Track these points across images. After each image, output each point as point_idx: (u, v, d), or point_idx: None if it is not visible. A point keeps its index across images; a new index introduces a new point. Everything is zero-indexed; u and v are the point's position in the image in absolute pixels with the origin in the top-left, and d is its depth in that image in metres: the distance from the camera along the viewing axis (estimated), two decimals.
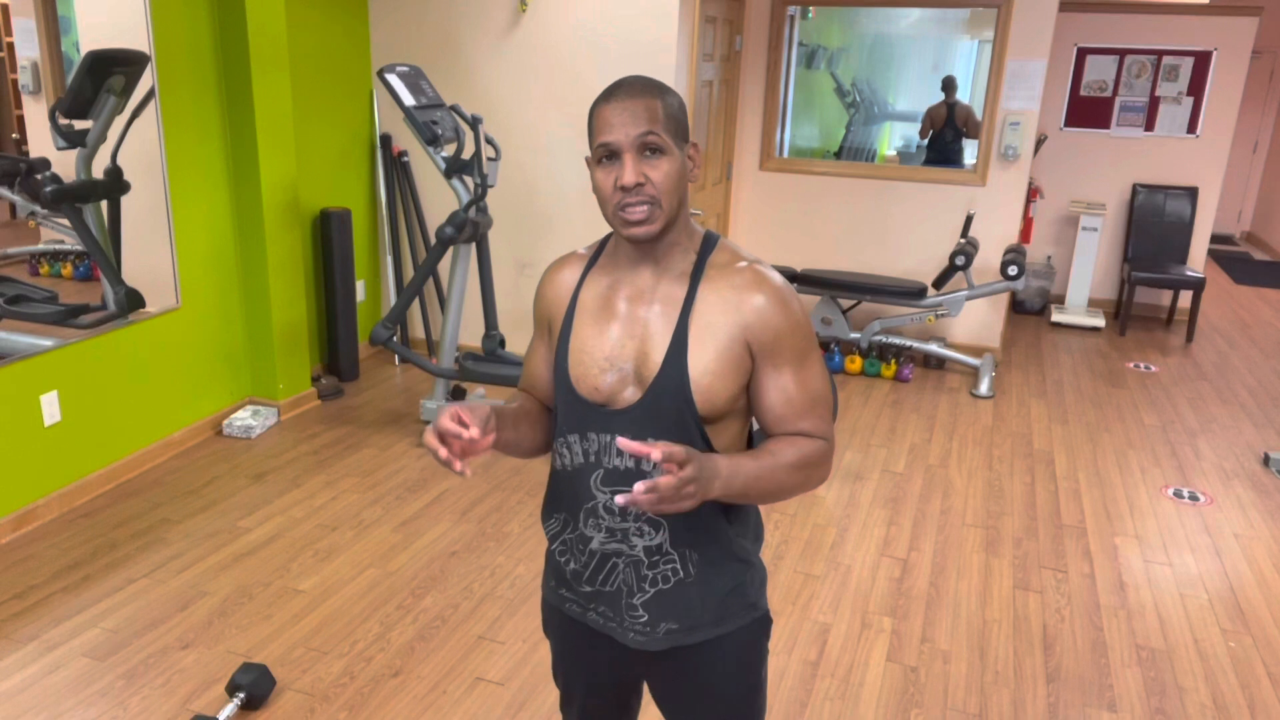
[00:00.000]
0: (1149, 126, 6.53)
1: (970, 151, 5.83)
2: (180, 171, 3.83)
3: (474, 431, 1.23)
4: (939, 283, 5.15)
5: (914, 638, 2.90)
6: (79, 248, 3.47)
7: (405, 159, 5.12)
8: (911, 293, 5.13)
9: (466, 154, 4.58)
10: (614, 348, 1.36)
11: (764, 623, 1.49)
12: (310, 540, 3.34)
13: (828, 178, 5.65)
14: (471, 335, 5.28)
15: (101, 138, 3.47)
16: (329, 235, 4.70)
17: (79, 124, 3.39)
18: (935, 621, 2.99)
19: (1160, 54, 6.40)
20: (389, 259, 5.24)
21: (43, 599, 2.94)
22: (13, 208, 3.23)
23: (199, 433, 4.13)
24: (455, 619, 2.91)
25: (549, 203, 4.96)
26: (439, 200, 5.16)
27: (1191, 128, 6.46)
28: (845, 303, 5.58)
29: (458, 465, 1.22)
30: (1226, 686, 2.73)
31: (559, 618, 1.55)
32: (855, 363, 5.30)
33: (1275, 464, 4.22)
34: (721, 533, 1.40)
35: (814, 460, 1.35)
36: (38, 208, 3.30)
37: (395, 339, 4.18)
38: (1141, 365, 5.71)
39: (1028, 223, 6.18)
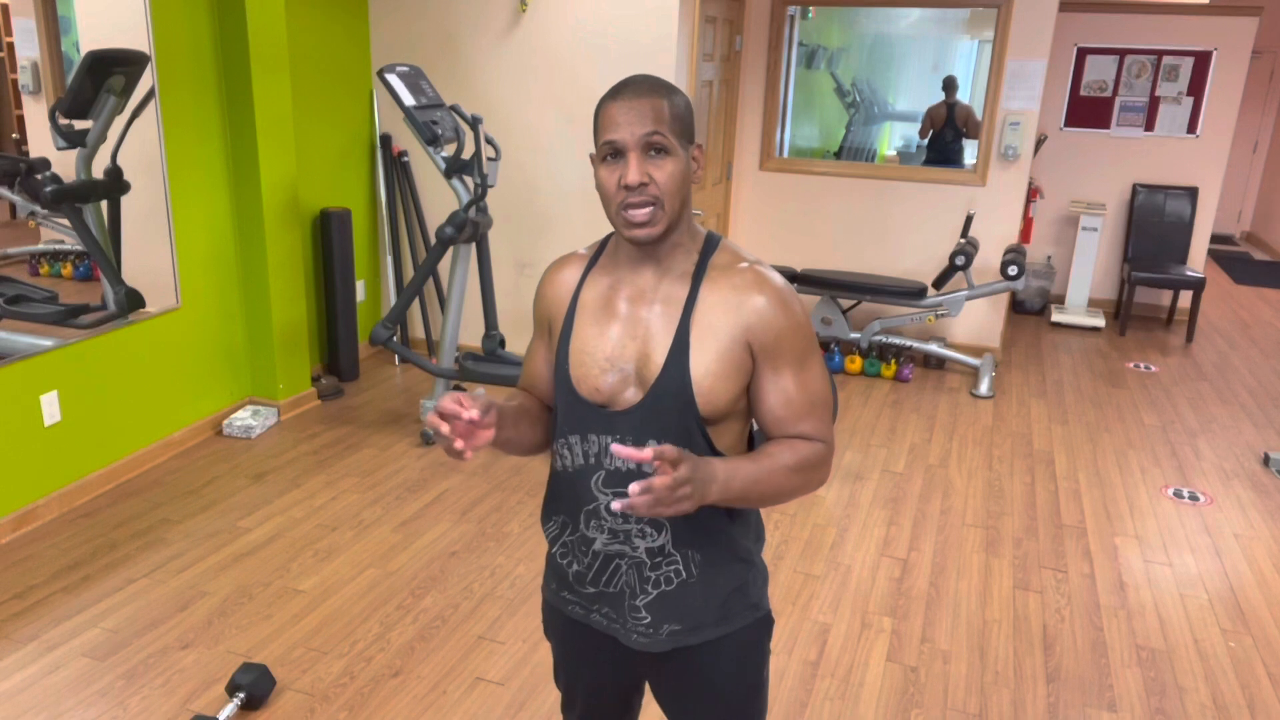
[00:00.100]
0: (1149, 126, 6.53)
1: (970, 151, 5.83)
2: (180, 171, 3.83)
3: (474, 412, 1.23)
4: (939, 283, 5.15)
5: (914, 638, 2.90)
6: (79, 248, 3.47)
7: (405, 159, 5.12)
8: (911, 293, 5.14)
9: (466, 154, 4.58)
10: (615, 348, 1.36)
11: (766, 623, 1.49)
12: (310, 540, 3.34)
13: (828, 178, 5.65)
14: (471, 335, 5.28)
15: (101, 138, 3.47)
16: (329, 235, 4.70)
17: (79, 124, 3.39)
18: (935, 621, 2.99)
19: (1160, 54, 6.40)
20: (389, 259, 5.24)
21: (43, 599, 2.94)
22: (13, 208, 3.23)
23: (199, 433, 4.13)
24: (455, 619, 2.91)
25: (549, 203, 4.96)
26: (439, 200, 5.16)
27: (1191, 128, 6.46)
28: (845, 303, 5.58)
29: (459, 444, 1.22)
30: (1226, 686, 2.73)
31: (561, 620, 1.55)
32: (855, 363, 5.30)
33: (1275, 464, 4.22)
34: (723, 533, 1.40)
35: (813, 463, 1.35)
36: (38, 208, 3.30)
37: (395, 339, 4.18)
38: (1141, 365, 5.71)
39: (1028, 223, 6.18)
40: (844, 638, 2.89)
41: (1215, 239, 9.74)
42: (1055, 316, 6.54)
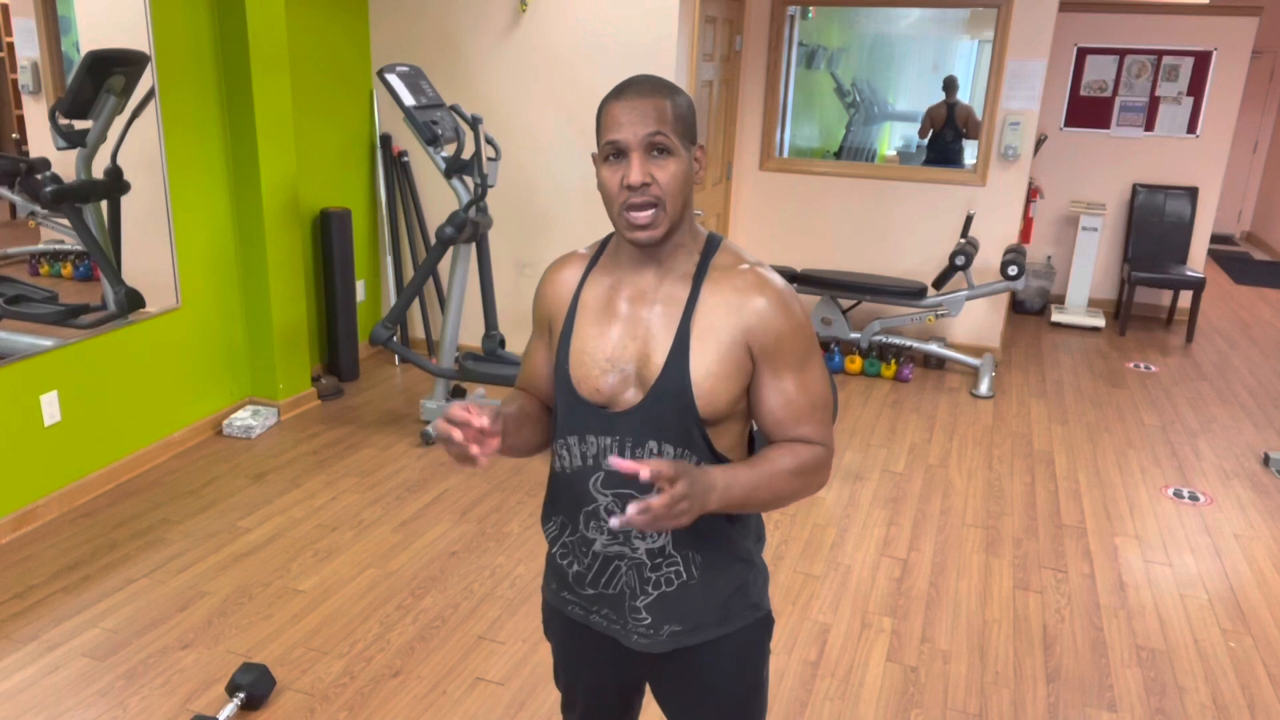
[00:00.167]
0: (1149, 126, 6.53)
1: (970, 151, 5.83)
2: (180, 171, 3.83)
3: (484, 420, 1.23)
4: (939, 283, 5.15)
5: (914, 638, 2.90)
6: (79, 248, 3.47)
7: (405, 159, 5.12)
8: (911, 293, 5.13)
9: (466, 154, 4.58)
10: (615, 349, 1.35)
11: (766, 623, 1.49)
12: (310, 540, 3.34)
13: (828, 178, 5.65)
14: (471, 335, 5.28)
15: (101, 138, 3.47)
16: (329, 235, 4.70)
17: (79, 124, 3.39)
18: (935, 621, 2.99)
19: (1160, 54, 6.40)
20: (389, 259, 5.24)
21: (43, 599, 2.94)
22: (13, 208, 3.23)
23: (199, 433, 4.13)
24: (455, 619, 2.91)
25: (549, 203, 4.96)
26: (439, 200, 5.16)
27: (1191, 128, 6.46)
28: (845, 303, 5.58)
29: (474, 449, 1.22)
30: (1226, 686, 2.73)
31: (561, 620, 1.55)
32: (855, 363, 5.30)
33: (1275, 464, 4.22)
34: (723, 534, 1.40)
35: (812, 466, 1.35)
36: (38, 208, 3.30)
37: (395, 339, 4.18)
38: (1141, 365, 5.71)
39: (1028, 223, 6.18)
40: (844, 638, 2.89)
41: (1215, 239, 9.74)
42: (1055, 316, 6.54)
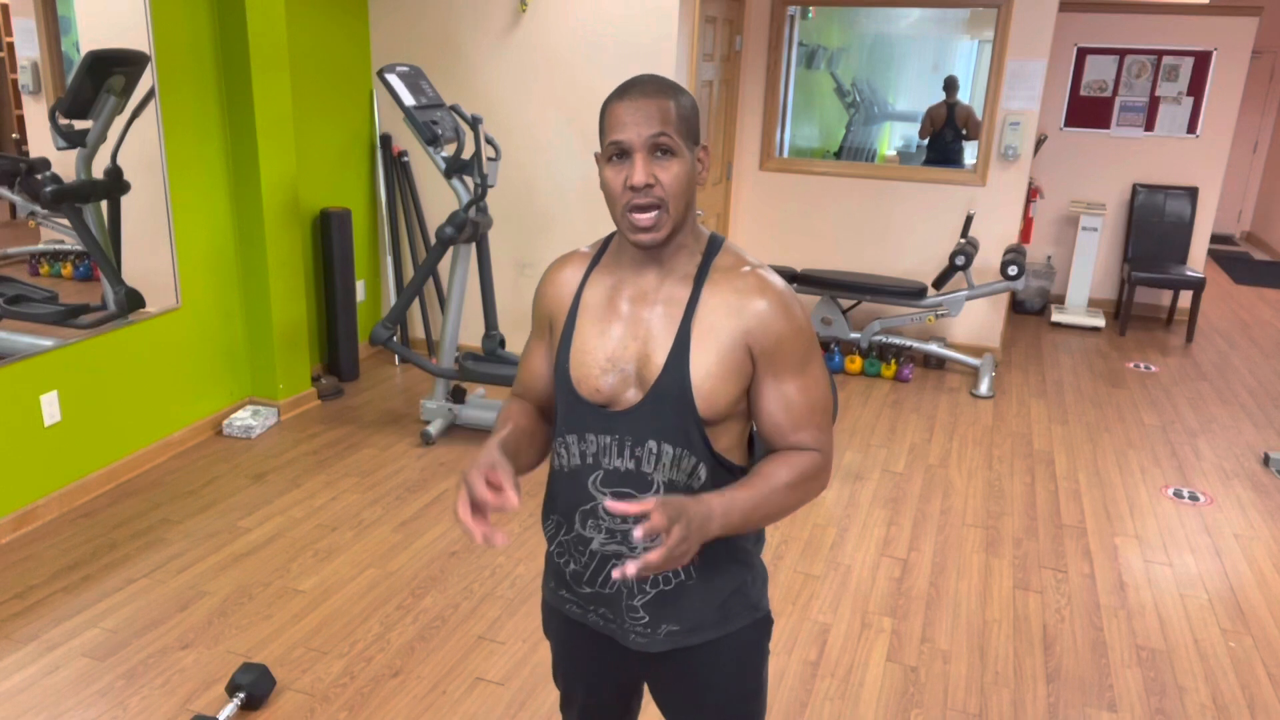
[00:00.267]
0: (1149, 126, 6.53)
1: (970, 151, 5.83)
2: (180, 171, 3.83)
3: (511, 496, 1.23)
4: (939, 283, 5.15)
5: (914, 638, 2.90)
6: (79, 248, 3.47)
7: (405, 159, 5.12)
8: (911, 293, 5.13)
9: (466, 154, 4.58)
10: (616, 349, 1.35)
11: (765, 624, 1.49)
12: (310, 540, 3.34)
13: (828, 178, 5.65)
14: (471, 335, 5.28)
15: (101, 138, 3.47)
16: (329, 235, 4.70)
17: (79, 124, 3.39)
18: (935, 621, 2.99)
19: (1160, 54, 6.40)
20: (389, 259, 5.24)
21: (43, 599, 2.94)
22: (13, 208, 3.23)
23: (199, 433, 4.13)
24: (455, 619, 2.91)
25: (549, 203, 4.96)
26: (439, 200, 5.16)
27: (1191, 128, 6.46)
28: (845, 303, 5.58)
29: (498, 540, 1.21)
30: (1226, 686, 2.73)
31: (559, 619, 1.55)
32: (855, 363, 5.30)
33: (1275, 464, 4.22)
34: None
35: (810, 474, 1.35)
36: (38, 208, 3.30)
37: (395, 339, 4.18)
38: (1141, 365, 5.71)
39: (1028, 223, 6.18)
40: (844, 638, 2.89)
41: (1215, 239, 9.74)
42: (1055, 316, 6.54)
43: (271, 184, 4.14)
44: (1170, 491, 3.98)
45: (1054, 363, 5.70)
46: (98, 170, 3.47)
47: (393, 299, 5.29)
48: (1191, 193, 6.51)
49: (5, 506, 3.29)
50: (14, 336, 3.25)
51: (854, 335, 5.36)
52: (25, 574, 3.08)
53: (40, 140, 3.26)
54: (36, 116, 3.24)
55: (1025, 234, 6.16)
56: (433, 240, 5.06)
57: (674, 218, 1.30)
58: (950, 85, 5.94)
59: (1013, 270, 4.96)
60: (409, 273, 5.33)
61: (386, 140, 5.08)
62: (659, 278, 1.36)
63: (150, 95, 3.64)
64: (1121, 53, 6.47)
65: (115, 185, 3.55)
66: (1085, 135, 6.67)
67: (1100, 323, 6.45)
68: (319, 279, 4.84)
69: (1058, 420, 4.74)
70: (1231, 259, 9.07)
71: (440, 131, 3.93)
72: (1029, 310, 6.85)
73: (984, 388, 5.04)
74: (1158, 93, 6.46)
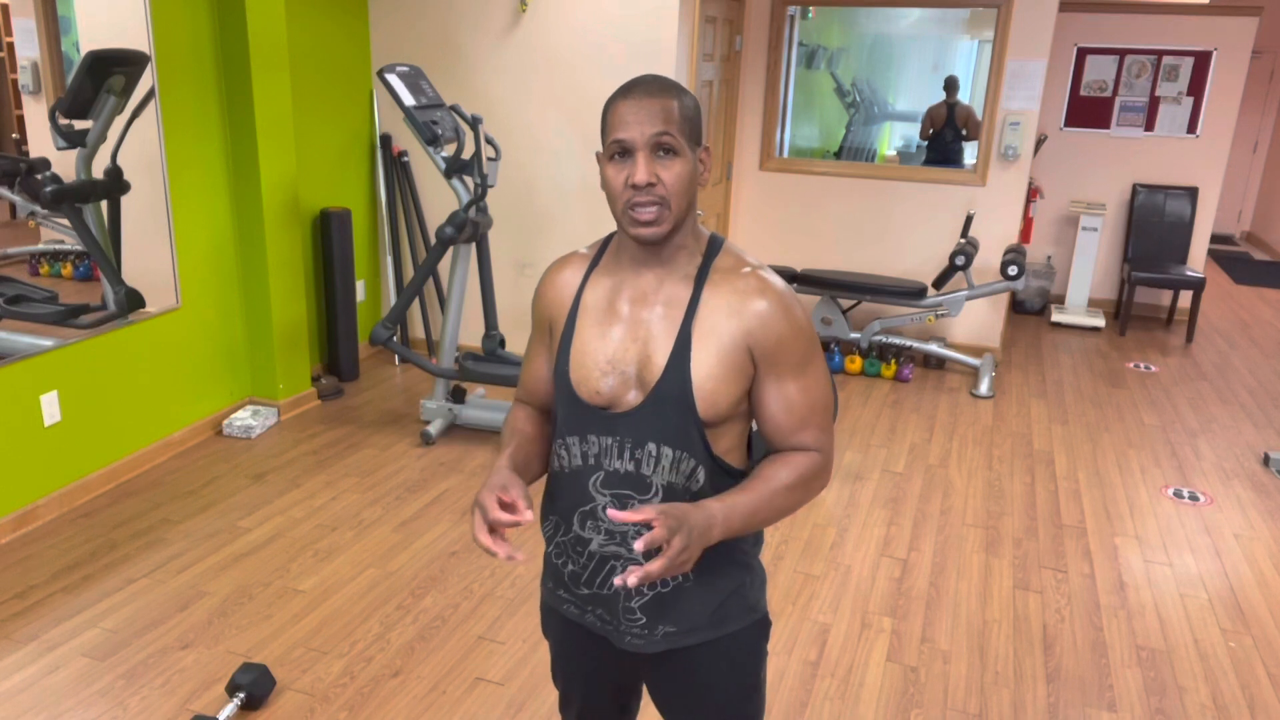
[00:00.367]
0: (1149, 126, 6.53)
1: (970, 151, 5.83)
2: (180, 171, 3.83)
3: (527, 514, 1.25)
4: (939, 283, 5.15)
5: (914, 638, 2.90)
6: (79, 248, 3.47)
7: (405, 159, 5.12)
8: (911, 293, 5.13)
9: (466, 154, 4.58)
10: (616, 350, 1.35)
11: (763, 625, 1.49)
12: (310, 540, 3.34)
13: (828, 178, 5.65)
14: (471, 335, 5.28)
15: (101, 138, 3.47)
16: (329, 235, 4.70)
17: (79, 124, 3.39)
18: (935, 621, 2.99)
19: (1160, 54, 6.40)
20: (389, 259, 5.24)
21: (43, 599, 2.94)
22: (13, 208, 3.23)
23: (199, 433, 4.13)
24: (455, 619, 2.91)
25: (549, 203, 4.96)
26: (439, 200, 5.16)
27: (1191, 128, 6.46)
28: (845, 303, 5.58)
29: (519, 557, 1.24)
30: (1226, 686, 2.73)
31: (557, 619, 1.55)
32: (855, 363, 5.30)
33: (1275, 464, 4.22)
34: None
35: (811, 475, 1.35)
36: (38, 208, 3.30)
37: (395, 339, 4.18)
38: (1141, 365, 5.71)
39: (1028, 223, 6.18)
40: (844, 638, 2.89)
41: (1215, 239, 9.74)
42: (1055, 316, 6.54)
43: (271, 184, 4.14)
44: (1170, 491, 3.98)
45: (1054, 363, 5.70)
46: (98, 170, 3.47)
47: (393, 299, 5.29)
48: (1191, 193, 6.51)
49: (5, 506, 3.29)
50: (14, 336, 3.25)
51: (854, 335, 5.36)
52: (25, 574, 3.08)
53: (40, 140, 3.26)
54: (36, 116, 3.24)
55: (1025, 234, 6.16)
56: (433, 240, 5.06)
57: (675, 215, 1.30)
58: (950, 85, 5.94)
59: (1013, 270, 4.96)
60: (409, 273, 5.33)
61: (386, 140, 5.08)
62: (659, 279, 1.36)
63: (150, 95, 3.64)
64: (1121, 53, 6.47)
65: (115, 185, 3.55)
66: (1085, 135, 6.67)
67: (1100, 323, 6.45)
68: (319, 279, 4.84)
69: (1058, 420, 4.74)
70: (1231, 259, 9.07)
71: (440, 131, 3.93)
72: (1029, 310, 6.85)
73: (984, 388, 5.04)
74: (1158, 93, 6.46)
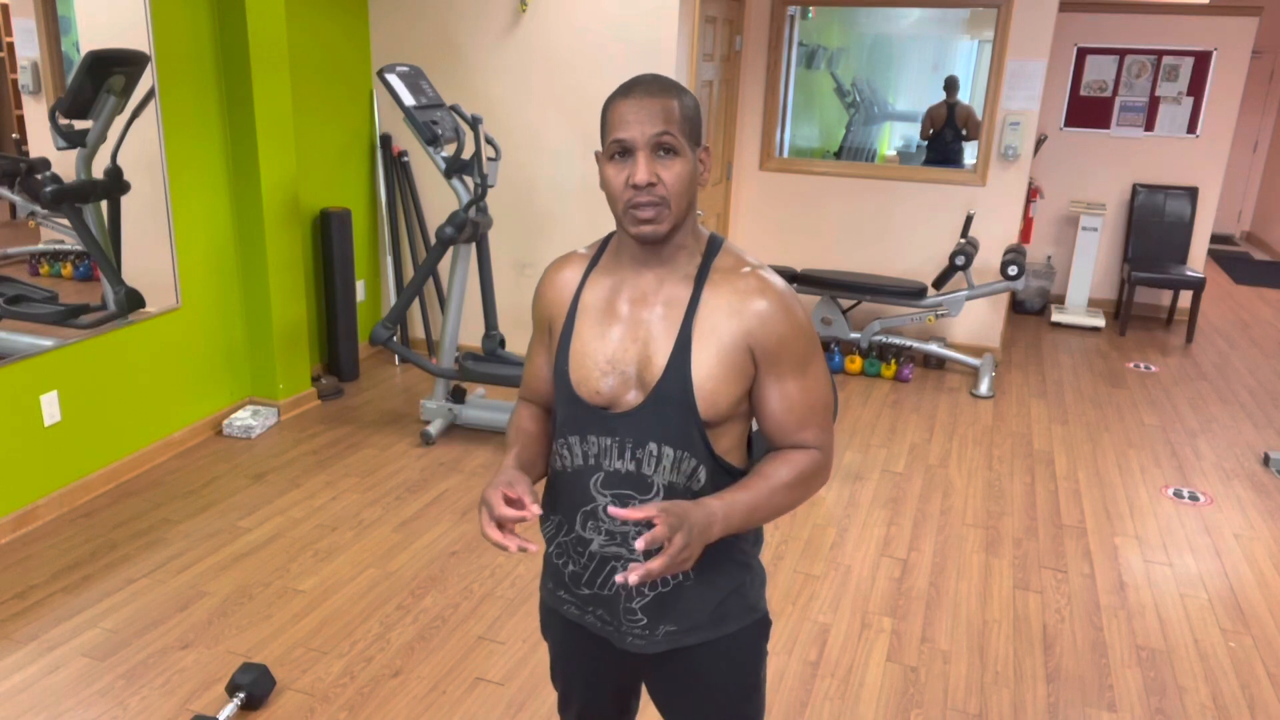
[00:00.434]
0: (1149, 126, 6.53)
1: (970, 151, 5.83)
2: (180, 171, 3.83)
3: (534, 508, 1.26)
4: (939, 283, 5.15)
5: (914, 638, 2.90)
6: (79, 248, 3.47)
7: (405, 159, 5.12)
8: (911, 293, 5.13)
9: (466, 154, 4.58)
10: (616, 350, 1.35)
11: (763, 624, 1.49)
12: (310, 540, 3.34)
13: (828, 178, 5.65)
14: (471, 335, 5.28)
15: (101, 138, 3.47)
16: (329, 235, 4.70)
17: (79, 124, 3.39)
18: (935, 621, 2.99)
19: (1160, 54, 6.40)
20: (389, 259, 5.24)
21: (43, 599, 2.94)
22: (13, 208, 3.23)
23: (199, 433, 4.13)
24: (455, 619, 2.91)
25: (549, 203, 4.96)
26: (439, 200, 5.16)
27: (1191, 128, 6.46)
28: (845, 303, 5.58)
29: (532, 548, 1.24)
30: (1226, 686, 2.73)
31: (557, 620, 1.54)
32: (855, 363, 5.30)
33: (1275, 464, 4.22)
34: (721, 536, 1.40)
35: (810, 474, 1.36)
36: (38, 208, 3.30)
37: (395, 339, 4.18)
38: (1141, 365, 5.71)
39: (1028, 223, 6.18)
40: (844, 638, 2.89)
41: (1215, 239, 9.74)
42: (1055, 316, 6.54)
43: (271, 184, 4.14)
44: (1170, 491, 3.98)
45: (1054, 363, 5.70)
46: (98, 170, 3.47)
47: (393, 299, 5.29)
48: (1191, 193, 6.51)
49: (5, 506, 3.29)
50: (14, 336, 3.25)
51: (854, 335, 5.36)
52: (25, 574, 3.08)
53: (40, 140, 3.26)
54: (36, 116, 3.24)
55: (1025, 234, 6.16)
56: (433, 240, 5.06)
57: (675, 215, 1.30)
58: (950, 85, 5.94)
59: (1013, 270, 4.96)
60: (409, 273, 5.33)
61: (386, 140, 5.08)
62: (658, 278, 1.36)
63: (150, 95, 3.64)
64: (1121, 53, 6.47)
65: (115, 185, 3.55)
66: (1085, 135, 6.67)
67: (1100, 323, 6.45)
68: (319, 279, 4.84)
69: (1058, 420, 4.74)
70: (1231, 259, 9.07)
71: (440, 131, 3.93)
72: (1029, 310, 6.85)
73: (984, 388, 5.04)
74: (1158, 93, 6.46)
